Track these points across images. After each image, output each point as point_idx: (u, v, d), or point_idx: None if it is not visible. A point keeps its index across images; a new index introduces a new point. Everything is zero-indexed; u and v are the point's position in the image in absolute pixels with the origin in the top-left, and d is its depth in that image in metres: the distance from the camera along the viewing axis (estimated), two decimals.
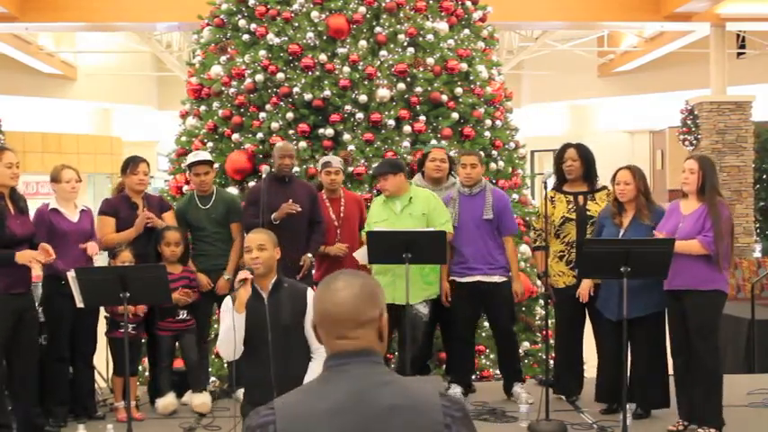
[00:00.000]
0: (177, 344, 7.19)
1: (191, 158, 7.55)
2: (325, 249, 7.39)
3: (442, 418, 2.24)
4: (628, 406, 6.09)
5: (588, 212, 7.03)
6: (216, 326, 7.75)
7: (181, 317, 7.11)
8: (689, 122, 16.90)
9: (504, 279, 7.09)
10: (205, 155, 7.64)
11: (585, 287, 6.84)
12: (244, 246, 4.85)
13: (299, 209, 7.10)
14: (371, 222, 7.04)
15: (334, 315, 2.31)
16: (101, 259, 7.29)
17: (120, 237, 7.05)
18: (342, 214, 7.53)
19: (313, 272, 7.51)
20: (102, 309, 6.96)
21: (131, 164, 7.20)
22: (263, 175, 7.30)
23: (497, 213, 7.00)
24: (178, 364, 7.33)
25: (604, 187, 7.16)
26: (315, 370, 4.70)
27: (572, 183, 7.23)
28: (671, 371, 6.68)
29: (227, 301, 4.78)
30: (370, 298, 2.34)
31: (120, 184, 7.51)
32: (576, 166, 7.17)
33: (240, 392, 7.17)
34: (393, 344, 7.45)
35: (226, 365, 7.77)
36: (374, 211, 7.13)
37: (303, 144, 8.41)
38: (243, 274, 4.67)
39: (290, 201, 7.11)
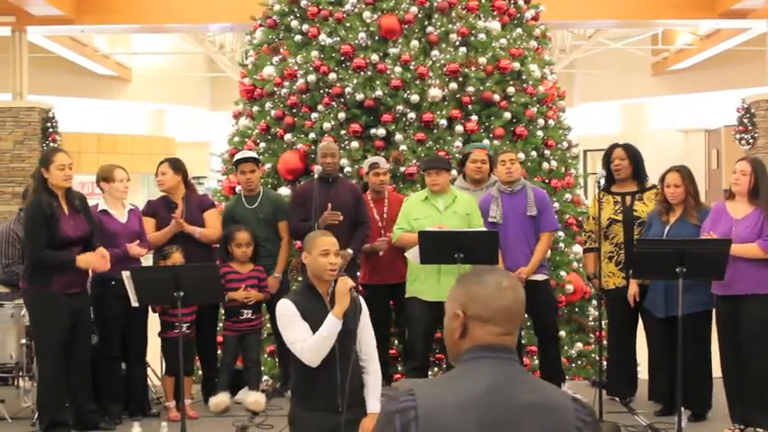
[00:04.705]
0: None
1: (237, 156, 7.62)
2: (371, 246, 7.41)
3: (574, 420, 2.29)
4: (683, 410, 6.02)
5: (635, 213, 6.99)
6: (268, 325, 7.81)
7: (245, 316, 7.16)
8: (745, 121, 16.56)
9: (545, 277, 7.08)
10: (251, 153, 7.69)
11: (633, 291, 6.81)
12: (320, 248, 4.55)
13: (341, 218, 7.10)
14: (411, 219, 6.99)
15: (514, 311, 2.39)
16: (146, 260, 7.38)
17: (156, 236, 7.14)
18: (385, 215, 7.54)
19: (358, 273, 7.53)
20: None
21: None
22: (315, 175, 7.33)
23: (539, 209, 6.97)
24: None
25: (654, 186, 7.10)
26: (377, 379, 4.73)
27: (621, 183, 7.19)
28: (715, 372, 6.61)
29: (290, 306, 4.54)
30: (525, 300, 2.46)
31: None
32: (625, 165, 7.13)
33: None
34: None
35: (278, 365, 7.81)
36: (414, 208, 7.06)
37: (355, 144, 8.41)
38: (348, 282, 4.53)
39: (329, 206, 7.11)
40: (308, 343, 4.45)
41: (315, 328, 4.46)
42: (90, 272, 6.59)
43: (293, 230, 7.34)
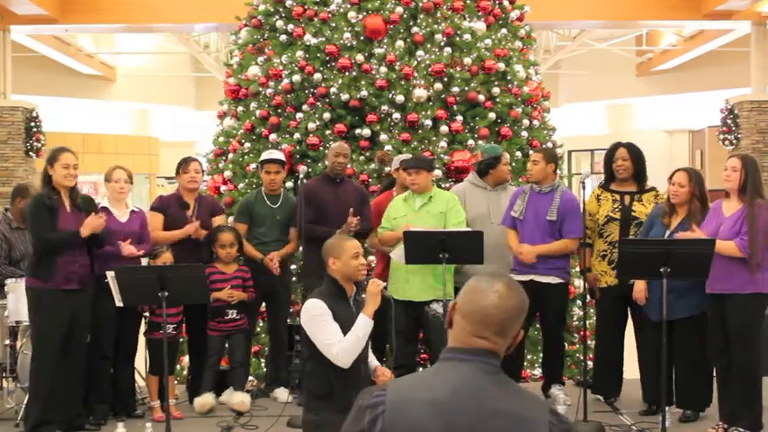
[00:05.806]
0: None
1: (264, 156, 7.61)
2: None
3: None
4: (673, 409, 6.03)
5: (633, 213, 6.97)
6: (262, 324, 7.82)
7: (230, 317, 7.14)
8: (729, 122, 16.64)
9: (560, 281, 6.94)
10: (278, 154, 7.69)
11: (640, 287, 6.71)
12: (351, 252, 4.62)
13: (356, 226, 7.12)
14: (391, 218, 7.04)
15: (487, 316, 2.33)
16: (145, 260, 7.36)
17: (165, 236, 7.13)
18: None
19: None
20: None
21: (183, 164, 7.41)
22: (300, 176, 7.33)
23: (561, 215, 6.85)
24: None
25: (653, 188, 7.10)
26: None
27: (621, 182, 7.16)
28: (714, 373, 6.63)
29: (324, 305, 4.55)
30: (521, 314, 2.37)
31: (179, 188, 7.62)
32: (627, 166, 7.11)
33: (280, 392, 7.21)
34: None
35: (263, 365, 7.80)
36: (394, 207, 7.10)
37: None
38: (379, 283, 4.60)
39: (351, 215, 7.09)
40: (344, 344, 4.48)
41: (344, 328, 4.51)
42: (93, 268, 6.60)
43: (305, 230, 7.29)
